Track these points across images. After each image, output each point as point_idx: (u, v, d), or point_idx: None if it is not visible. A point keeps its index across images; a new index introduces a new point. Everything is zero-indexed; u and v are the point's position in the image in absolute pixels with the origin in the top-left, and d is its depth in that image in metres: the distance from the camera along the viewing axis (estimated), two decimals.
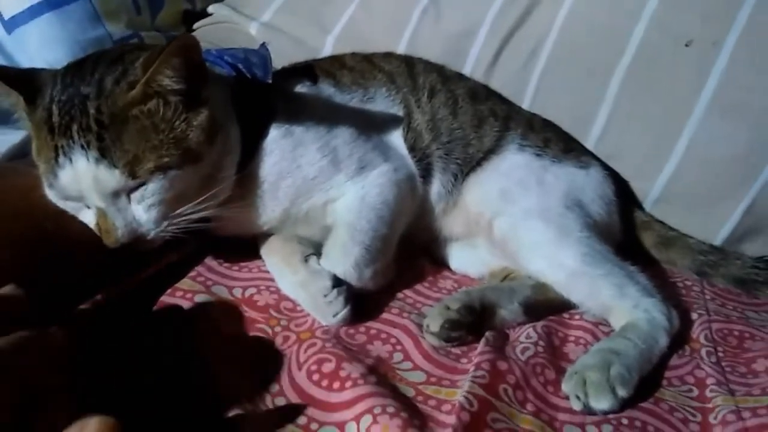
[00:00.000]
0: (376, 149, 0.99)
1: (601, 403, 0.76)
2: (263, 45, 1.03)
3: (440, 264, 1.07)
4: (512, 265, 1.01)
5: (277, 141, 0.91)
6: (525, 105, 1.22)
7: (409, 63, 1.11)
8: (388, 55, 1.14)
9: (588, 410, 0.77)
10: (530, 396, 0.78)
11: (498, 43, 1.25)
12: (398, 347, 0.84)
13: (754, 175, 1.13)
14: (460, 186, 1.03)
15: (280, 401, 0.73)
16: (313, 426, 0.70)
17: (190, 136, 0.80)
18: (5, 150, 1.06)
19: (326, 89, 1.02)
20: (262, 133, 0.91)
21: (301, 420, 0.71)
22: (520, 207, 0.98)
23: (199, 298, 0.86)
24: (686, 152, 1.14)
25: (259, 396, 0.73)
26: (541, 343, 0.87)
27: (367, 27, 1.34)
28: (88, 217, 0.82)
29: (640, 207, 1.19)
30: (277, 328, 0.84)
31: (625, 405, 0.78)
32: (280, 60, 1.05)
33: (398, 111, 1.04)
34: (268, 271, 0.94)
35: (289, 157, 0.91)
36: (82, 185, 0.78)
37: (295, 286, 0.89)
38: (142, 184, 0.79)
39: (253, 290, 0.90)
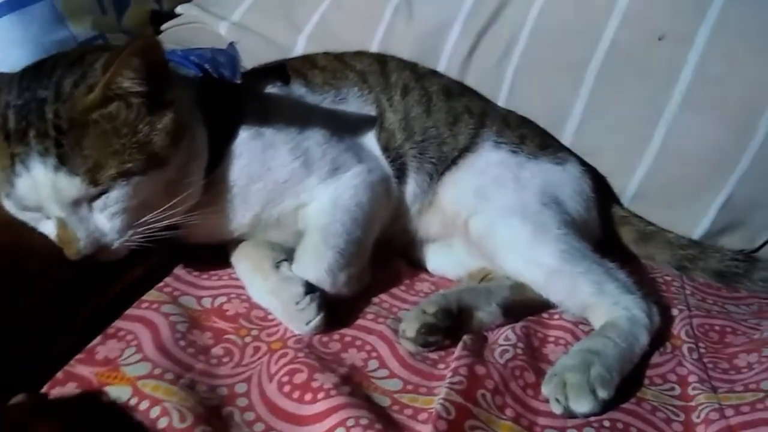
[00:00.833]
0: (349, 150, 0.97)
1: (582, 405, 0.75)
2: (231, 44, 1.00)
3: (417, 266, 1.06)
4: (490, 265, 1.00)
5: (246, 143, 0.89)
6: (500, 102, 1.21)
7: (381, 61, 1.10)
8: (360, 54, 1.12)
9: (569, 413, 0.75)
10: (509, 401, 0.76)
11: (472, 39, 1.23)
12: (373, 354, 0.82)
13: (730, 168, 1.13)
14: (435, 185, 1.02)
15: (249, 416, 0.71)
16: None
17: (154, 140, 0.78)
18: None
19: (297, 90, 1.00)
20: (231, 135, 0.89)
21: None
22: (496, 205, 0.97)
23: (167, 308, 0.83)
24: (662, 147, 1.14)
25: (228, 411, 0.70)
26: (520, 345, 0.85)
27: (339, 25, 1.32)
28: (48, 229, 0.79)
29: (618, 203, 1.18)
30: (248, 339, 0.82)
31: (606, 407, 0.77)
32: (250, 60, 1.04)
33: (371, 110, 1.03)
34: (238, 279, 0.91)
35: (259, 160, 0.89)
36: (40, 194, 0.75)
37: (266, 293, 0.87)
38: (105, 191, 0.76)
39: (222, 299, 0.88)
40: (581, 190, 1.06)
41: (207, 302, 0.87)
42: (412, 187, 1.02)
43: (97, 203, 0.77)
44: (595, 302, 0.90)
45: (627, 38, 1.16)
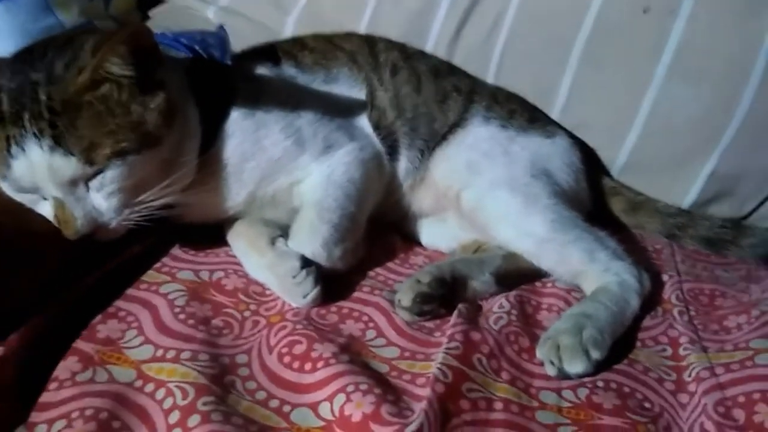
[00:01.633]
0: (341, 129, 0.99)
1: (575, 366, 0.77)
2: (221, 27, 1.02)
3: (411, 240, 1.08)
4: (482, 237, 1.01)
5: (238, 122, 0.90)
6: (489, 79, 1.23)
7: (370, 42, 1.11)
8: (349, 35, 1.13)
9: (563, 375, 0.77)
10: (505, 364, 0.78)
11: (458, 18, 1.25)
12: (371, 324, 0.84)
13: (716, 138, 1.15)
14: (427, 161, 1.04)
15: (251, 385, 0.72)
16: (286, 408, 0.70)
17: (148, 119, 0.79)
18: None
19: (288, 70, 1.01)
20: (223, 115, 0.90)
21: (273, 403, 0.70)
22: (486, 178, 0.99)
23: (165, 288, 0.84)
24: (649, 118, 1.16)
25: (229, 379, 0.72)
26: (514, 312, 0.87)
27: (327, 7, 1.34)
28: (46, 209, 0.80)
29: (608, 174, 1.21)
30: (246, 313, 0.84)
31: (599, 367, 0.79)
32: (239, 43, 1.04)
33: (361, 90, 1.04)
34: (235, 257, 0.93)
35: (251, 139, 0.91)
36: (37, 175, 0.76)
37: (263, 268, 0.89)
38: (100, 171, 0.78)
39: (220, 274, 0.89)
40: (570, 162, 1.08)
41: (205, 275, 0.88)
42: (404, 164, 1.03)
43: (94, 183, 0.78)
44: (586, 269, 0.92)
45: (612, 12, 1.17)
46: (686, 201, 1.19)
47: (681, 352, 0.83)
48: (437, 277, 0.87)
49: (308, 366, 0.73)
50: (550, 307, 0.91)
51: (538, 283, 0.97)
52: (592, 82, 1.19)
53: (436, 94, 1.06)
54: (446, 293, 0.87)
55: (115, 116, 0.77)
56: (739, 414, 0.71)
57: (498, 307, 0.88)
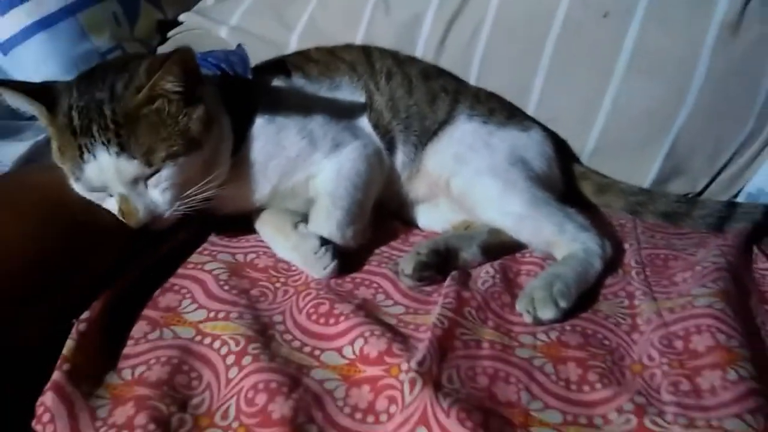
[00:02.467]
0: (347, 129, 1.14)
1: (547, 313, 0.92)
2: (240, 46, 1.17)
3: (409, 224, 1.22)
4: (470, 218, 1.17)
5: (262, 128, 1.06)
6: (471, 81, 1.38)
7: (366, 51, 1.26)
8: (348, 47, 1.28)
9: (537, 321, 0.92)
10: (490, 315, 0.93)
11: (443, 27, 1.40)
12: (380, 290, 0.99)
13: (670, 123, 1.31)
14: (420, 154, 1.19)
15: (288, 336, 0.89)
16: (317, 352, 0.86)
17: (192, 127, 0.95)
18: (15, 159, 1.19)
19: (298, 81, 1.16)
20: (249, 122, 1.06)
21: (306, 349, 0.87)
22: (472, 167, 1.14)
23: (209, 266, 1.00)
24: (611, 110, 1.32)
25: (270, 333, 0.88)
26: (498, 276, 1.02)
27: (326, 23, 1.49)
28: (111, 204, 0.96)
29: (578, 160, 1.36)
30: (277, 285, 0.99)
31: (567, 315, 0.93)
32: (250, 58, 1.17)
33: (361, 95, 1.18)
34: (263, 241, 1.08)
35: (273, 141, 1.06)
36: (106, 176, 0.93)
37: (288, 249, 1.04)
38: (157, 171, 0.93)
39: (253, 255, 1.05)
40: (543, 152, 1.22)
41: (240, 257, 1.04)
42: (401, 157, 1.18)
43: (152, 181, 0.94)
44: (557, 240, 1.07)
45: (576, 17, 1.33)
46: (647, 181, 1.34)
47: (636, 302, 0.97)
48: (433, 249, 1.03)
49: (332, 320, 0.89)
50: (528, 272, 1.06)
51: (518, 254, 1.11)
52: (561, 80, 1.34)
53: (426, 95, 1.21)
54: (441, 262, 1.03)
55: (167, 126, 0.93)
56: (679, 343, 0.86)
57: (484, 273, 1.03)
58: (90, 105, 0.92)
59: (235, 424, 0.76)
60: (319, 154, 1.09)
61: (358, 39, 1.44)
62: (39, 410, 0.75)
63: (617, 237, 1.17)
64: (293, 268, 1.03)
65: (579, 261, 1.03)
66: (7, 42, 1.34)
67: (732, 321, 0.87)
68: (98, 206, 0.97)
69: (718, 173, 1.34)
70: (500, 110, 1.24)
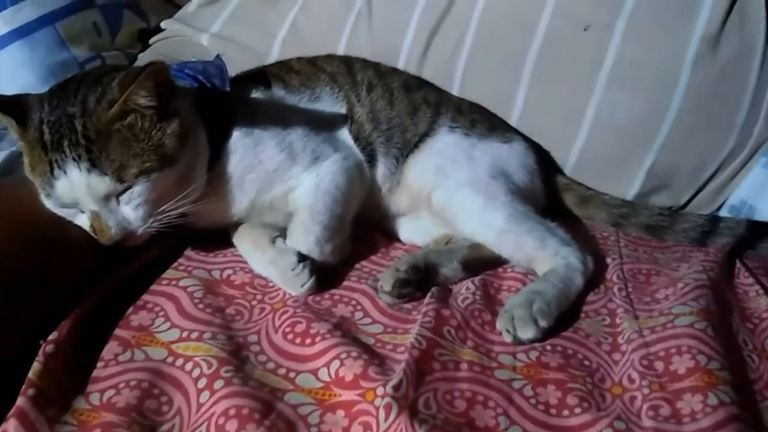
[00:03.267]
0: (326, 142, 1.12)
1: (527, 333, 0.91)
2: (218, 56, 1.15)
3: (390, 237, 1.21)
4: (451, 231, 1.15)
5: (239, 141, 1.04)
6: (454, 92, 1.36)
7: (348, 62, 1.25)
8: (329, 57, 1.27)
9: (517, 341, 0.91)
10: (470, 334, 0.92)
11: (425, 38, 1.39)
12: (358, 307, 0.98)
13: (651, 138, 1.30)
14: (401, 167, 1.17)
15: (262, 358, 0.87)
16: (291, 374, 0.84)
17: (166, 142, 0.93)
18: None
19: (278, 92, 1.14)
20: (226, 135, 1.04)
21: (281, 371, 0.85)
22: (453, 180, 1.13)
23: (184, 282, 0.99)
24: (593, 123, 1.31)
25: (244, 354, 0.87)
26: (478, 293, 1.01)
27: (308, 30, 1.48)
28: (82, 221, 0.94)
29: (561, 173, 1.35)
30: (254, 302, 0.97)
31: (547, 334, 0.92)
32: (232, 66, 1.16)
33: (342, 106, 1.17)
34: (240, 256, 1.07)
35: (251, 154, 1.04)
36: (77, 192, 0.91)
37: (266, 264, 1.02)
38: (129, 187, 0.91)
39: (229, 271, 1.03)
40: (526, 164, 1.21)
41: (216, 274, 1.02)
42: (381, 170, 1.16)
43: (124, 197, 0.92)
44: (539, 255, 1.06)
45: (558, 31, 1.32)
46: (630, 193, 1.33)
47: (617, 320, 0.96)
48: (413, 265, 1.01)
49: (308, 341, 0.88)
50: (510, 288, 1.05)
51: (499, 269, 1.09)
52: (544, 92, 1.33)
53: (407, 107, 1.19)
54: (421, 279, 1.01)
55: (140, 141, 0.91)
56: (659, 365, 0.86)
57: (465, 290, 1.02)
58: (61, 119, 0.90)
59: None
60: (298, 168, 1.07)
61: (341, 48, 1.43)
62: None
63: (599, 251, 1.16)
64: (271, 285, 1.02)
65: (560, 277, 1.02)
66: None
67: (713, 341, 0.87)
68: (70, 222, 0.95)
69: (702, 187, 1.33)
70: (482, 121, 1.23)
